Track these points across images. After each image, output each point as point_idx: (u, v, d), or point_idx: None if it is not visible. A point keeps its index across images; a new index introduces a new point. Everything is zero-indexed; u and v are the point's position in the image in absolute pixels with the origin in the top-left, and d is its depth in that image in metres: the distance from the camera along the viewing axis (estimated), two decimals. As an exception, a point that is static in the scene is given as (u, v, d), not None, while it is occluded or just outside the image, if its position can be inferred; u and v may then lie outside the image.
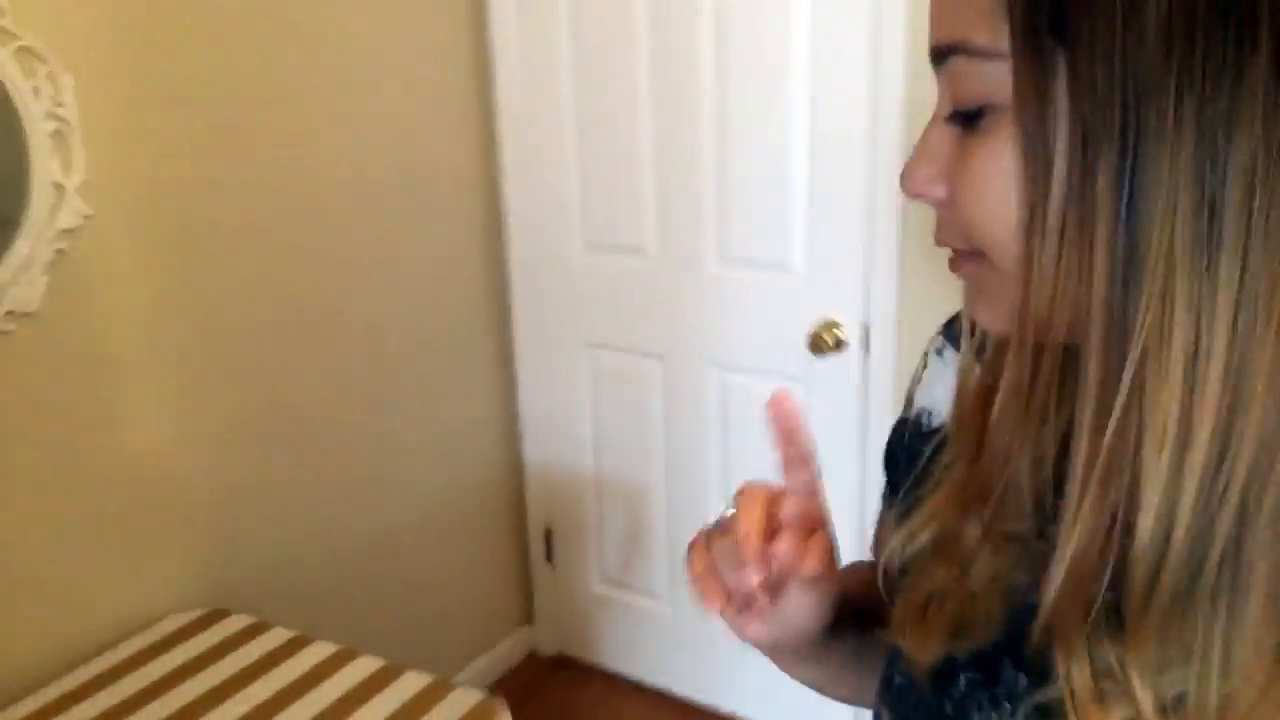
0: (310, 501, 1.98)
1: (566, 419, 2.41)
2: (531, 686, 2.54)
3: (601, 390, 2.34)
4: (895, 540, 0.60)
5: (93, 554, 1.61)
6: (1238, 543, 0.42)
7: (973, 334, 0.58)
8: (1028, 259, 0.44)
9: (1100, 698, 0.46)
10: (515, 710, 2.53)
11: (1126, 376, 0.42)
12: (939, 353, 0.67)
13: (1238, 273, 0.40)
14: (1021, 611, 0.52)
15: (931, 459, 0.61)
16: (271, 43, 1.76)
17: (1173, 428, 0.41)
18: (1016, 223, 0.44)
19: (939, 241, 0.52)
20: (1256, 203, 0.39)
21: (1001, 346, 0.54)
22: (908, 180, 0.51)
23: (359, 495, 2.08)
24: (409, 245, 2.10)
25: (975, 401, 0.56)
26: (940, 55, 0.47)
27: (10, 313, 1.39)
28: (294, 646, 1.60)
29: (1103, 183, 0.41)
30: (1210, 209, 0.40)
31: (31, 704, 1.46)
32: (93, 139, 1.48)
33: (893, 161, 1.78)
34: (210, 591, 1.79)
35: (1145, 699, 0.45)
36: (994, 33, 0.44)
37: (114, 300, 1.56)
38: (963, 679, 0.56)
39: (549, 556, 2.55)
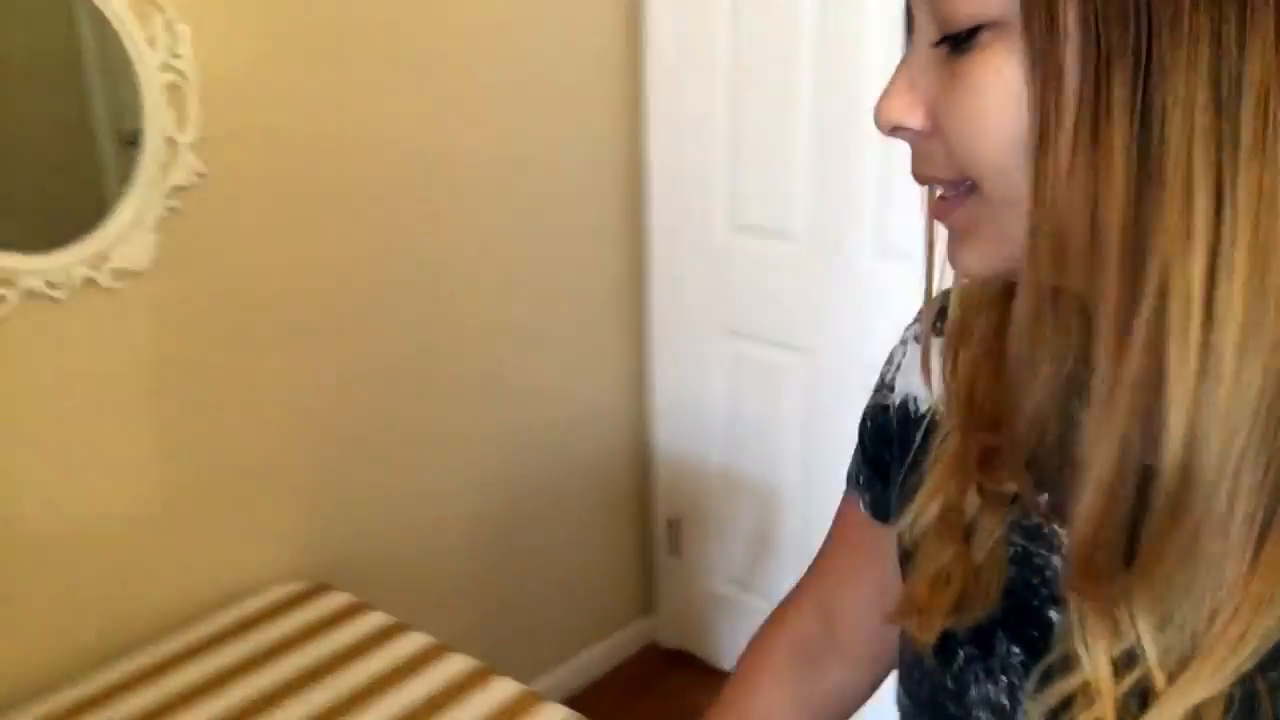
0: (424, 477, 1.91)
1: (699, 408, 2.26)
2: (648, 678, 2.45)
3: (738, 381, 2.19)
4: (903, 521, 0.60)
5: (201, 518, 1.58)
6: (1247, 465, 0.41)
7: (938, 315, 0.59)
8: (1040, 175, 0.42)
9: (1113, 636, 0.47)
10: (630, 700, 2.47)
11: (1150, 289, 0.41)
12: (917, 339, 0.65)
13: (1256, 179, 0.39)
14: (1017, 584, 0.54)
15: (924, 441, 0.62)
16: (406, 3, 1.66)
17: (1195, 343, 0.40)
18: (1020, 141, 0.43)
19: (920, 177, 0.50)
20: (1272, 108, 0.38)
21: (978, 304, 0.56)
22: (885, 112, 0.48)
23: (477, 470, 1.99)
24: (542, 218, 1.98)
25: (966, 368, 0.56)
26: None
27: (119, 270, 1.35)
28: (388, 634, 1.53)
29: (1118, 93, 0.40)
30: (1227, 116, 0.39)
31: (129, 665, 1.44)
32: (210, 94, 1.42)
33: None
34: (317, 565, 1.75)
35: (1148, 635, 0.46)
36: None
37: (226, 262, 1.51)
38: (961, 653, 0.57)
39: (674, 548, 2.42)
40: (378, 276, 1.73)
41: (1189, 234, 0.39)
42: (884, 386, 0.68)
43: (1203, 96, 0.39)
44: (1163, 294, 0.40)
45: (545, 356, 2.06)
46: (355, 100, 1.62)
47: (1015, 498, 0.54)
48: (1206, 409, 0.41)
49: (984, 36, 0.43)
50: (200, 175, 1.42)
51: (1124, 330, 0.42)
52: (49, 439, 1.37)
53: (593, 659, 2.38)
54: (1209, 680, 0.44)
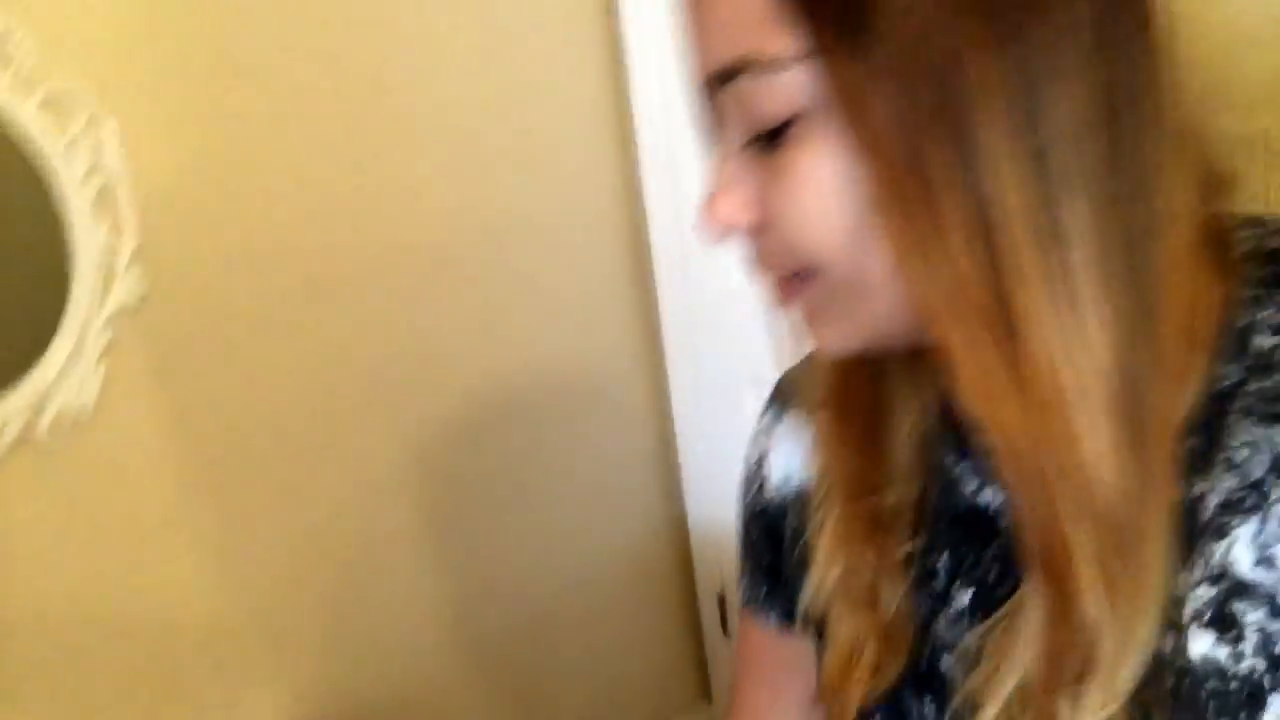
0: (439, 591, 1.69)
1: (731, 469, 2.04)
2: (713, 773, 2.22)
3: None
4: (804, 595, 0.59)
5: (173, 700, 1.36)
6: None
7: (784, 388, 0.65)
8: (899, 247, 0.43)
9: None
10: (696, 795, 2.25)
11: (1001, 336, 0.42)
12: (778, 418, 0.66)
13: (1085, 211, 0.41)
14: (924, 636, 0.54)
15: (802, 519, 0.61)
16: (366, 59, 1.46)
17: (1072, 367, 0.42)
18: (855, 223, 0.44)
19: (761, 271, 0.50)
20: (1085, 146, 0.40)
21: (841, 376, 0.57)
22: (716, 216, 0.48)
23: (498, 578, 1.77)
24: (540, 280, 1.77)
25: (833, 440, 0.57)
26: (722, 79, 0.45)
27: (58, 422, 1.14)
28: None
29: (938, 157, 0.41)
30: (1045, 158, 0.40)
31: None
32: (147, 195, 1.21)
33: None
34: (329, 711, 1.52)
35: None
36: (783, 39, 0.43)
37: (183, 390, 1.29)
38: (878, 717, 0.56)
39: (725, 627, 2.20)
40: (363, 379, 1.51)
41: (1039, 276, 0.41)
42: (755, 484, 0.67)
43: (1020, 153, 0.40)
44: (1018, 333, 0.42)
45: (557, 434, 1.84)
46: (320, 182, 1.41)
47: (910, 556, 0.55)
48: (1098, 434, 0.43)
49: (796, 129, 0.43)
50: (143, 296, 1.21)
51: (996, 386, 0.43)
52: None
53: (651, 758, 2.15)
54: (1101, 698, 0.45)
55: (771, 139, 0.44)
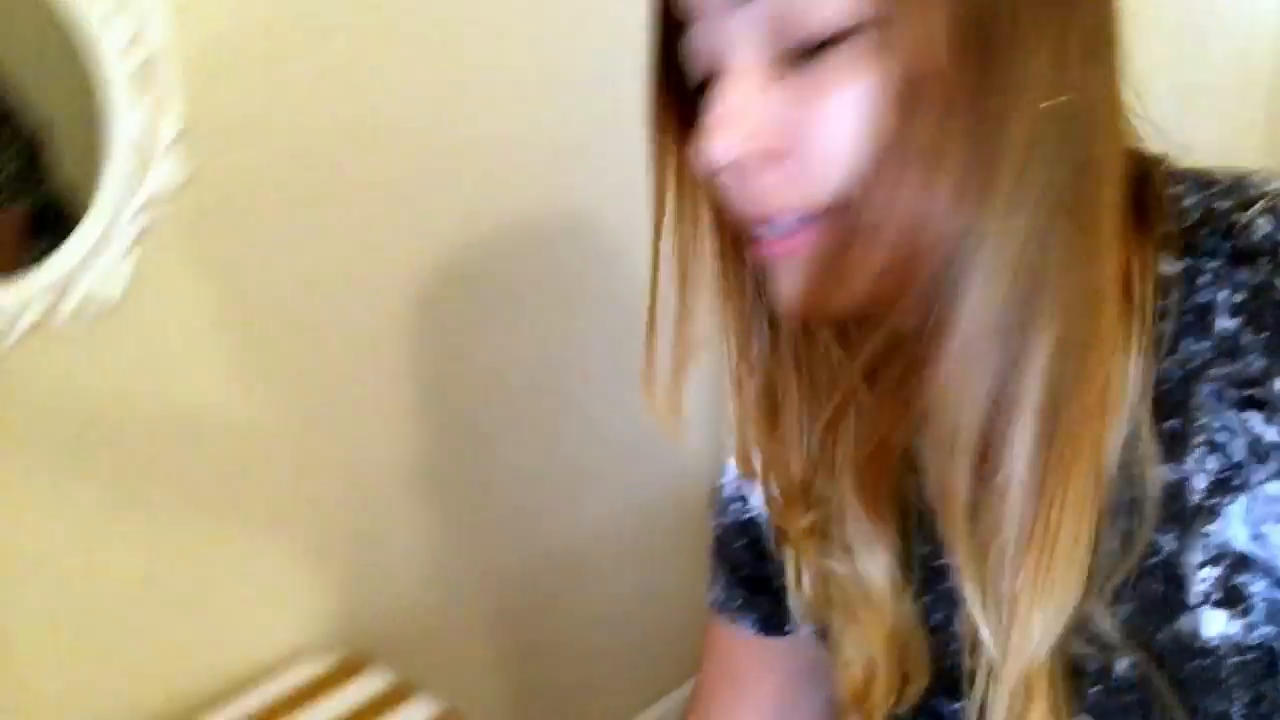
0: (476, 522, 1.63)
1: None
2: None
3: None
4: (794, 603, 0.58)
5: (212, 580, 1.32)
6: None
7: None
8: (924, 181, 0.41)
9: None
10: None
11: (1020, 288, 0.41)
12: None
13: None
14: (944, 645, 0.53)
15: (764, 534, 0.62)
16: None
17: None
18: (889, 150, 0.41)
19: (755, 214, 0.46)
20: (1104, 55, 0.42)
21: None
22: (717, 147, 0.43)
23: (526, 515, 1.71)
24: (590, 205, 1.66)
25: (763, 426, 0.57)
26: None
27: (82, 309, 1.07)
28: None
29: (993, 80, 0.40)
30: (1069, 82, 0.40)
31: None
32: (192, 72, 1.12)
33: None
34: (347, 631, 1.47)
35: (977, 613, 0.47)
36: None
37: (220, 284, 1.22)
38: None
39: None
40: (410, 290, 1.43)
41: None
42: (733, 501, 0.66)
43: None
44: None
45: (601, 370, 1.75)
46: (382, 64, 1.32)
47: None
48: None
49: (843, 44, 0.41)
50: (182, 181, 1.12)
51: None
52: (44, 504, 1.11)
53: (674, 705, 2.10)
54: (1027, 649, 0.44)
55: (807, 56, 0.41)
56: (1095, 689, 0.48)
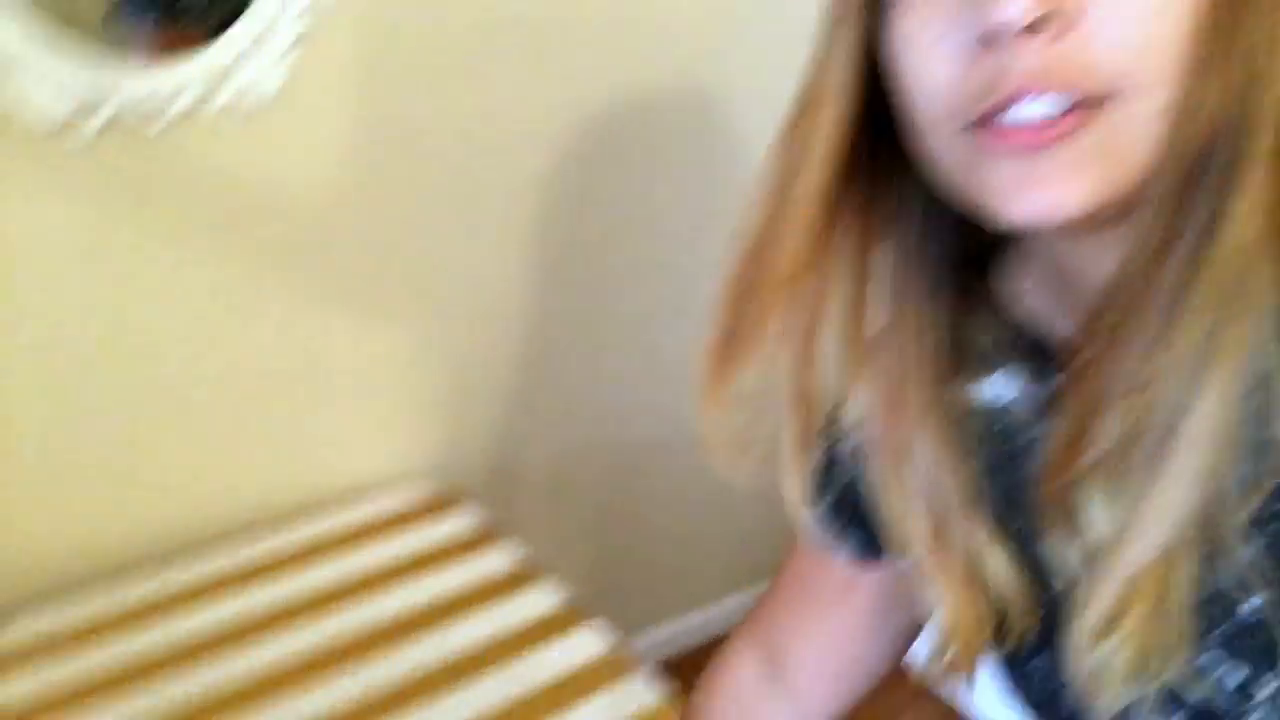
0: (576, 386, 1.62)
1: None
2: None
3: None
4: (894, 534, 0.56)
5: (324, 391, 1.36)
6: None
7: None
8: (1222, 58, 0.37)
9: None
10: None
11: None
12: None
13: None
14: (1050, 597, 0.51)
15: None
16: None
17: None
18: (1195, 29, 0.37)
19: (1020, 97, 0.39)
20: None
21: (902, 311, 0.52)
22: (1010, 5, 0.36)
23: (638, 388, 1.69)
24: (739, 75, 1.59)
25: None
26: None
27: (234, 104, 1.07)
28: (513, 583, 1.27)
29: None
30: None
31: (211, 565, 1.26)
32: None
33: None
34: (447, 467, 1.50)
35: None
36: None
37: (371, 101, 1.21)
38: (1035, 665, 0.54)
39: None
40: (559, 132, 1.40)
41: None
42: (847, 427, 0.60)
43: None
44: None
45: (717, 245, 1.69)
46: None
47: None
48: None
49: None
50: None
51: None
52: (178, 285, 1.15)
53: (748, 601, 2.09)
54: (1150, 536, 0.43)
55: None
56: (1222, 627, 0.46)
